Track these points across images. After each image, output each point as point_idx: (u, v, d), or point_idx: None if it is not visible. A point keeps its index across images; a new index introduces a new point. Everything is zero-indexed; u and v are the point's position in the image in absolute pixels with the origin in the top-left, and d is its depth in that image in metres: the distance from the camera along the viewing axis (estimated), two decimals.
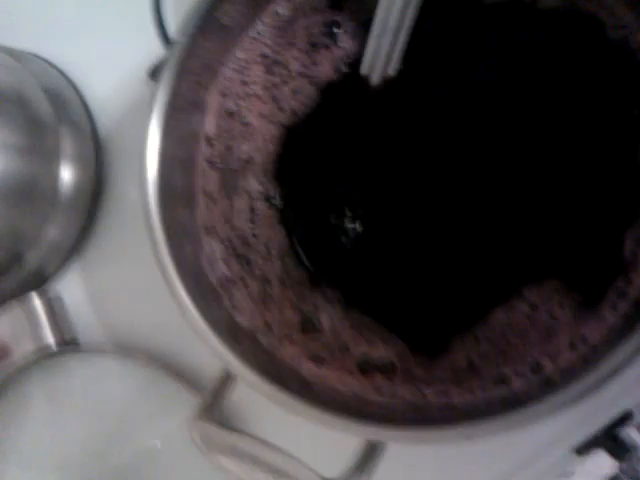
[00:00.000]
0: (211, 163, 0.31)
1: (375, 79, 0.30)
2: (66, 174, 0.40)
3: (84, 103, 0.42)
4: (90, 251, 0.40)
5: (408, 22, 0.29)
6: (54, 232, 0.39)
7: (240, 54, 0.32)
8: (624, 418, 0.37)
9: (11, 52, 0.41)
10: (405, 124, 0.30)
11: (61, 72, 0.42)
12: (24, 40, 0.42)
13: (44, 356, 0.38)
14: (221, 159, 0.31)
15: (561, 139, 0.29)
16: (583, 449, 0.38)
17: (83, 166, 0.40)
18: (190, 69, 0.30)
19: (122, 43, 0.40)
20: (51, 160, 0.39)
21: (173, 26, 0.38)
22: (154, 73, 0.39)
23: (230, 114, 0.32)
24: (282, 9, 0.31)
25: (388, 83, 0.30)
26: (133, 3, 0.40)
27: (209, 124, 0.32)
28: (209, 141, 0.32)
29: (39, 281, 0.40)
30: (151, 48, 0.39)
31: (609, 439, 0.38)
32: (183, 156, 0.31)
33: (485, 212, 0.29)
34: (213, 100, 0.32)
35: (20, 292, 0.38)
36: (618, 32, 0.28)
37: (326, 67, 0.31)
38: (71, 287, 0.40)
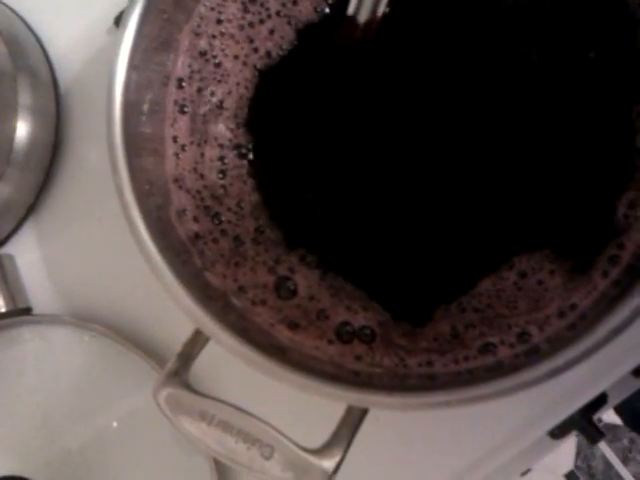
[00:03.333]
0: (181, 107, 0.29)
1: (361, 19, 0.28)
2: (23, 126, 0.36)
3: (44, 51, 0.39)
4: (46, 212, 0.37)
5: None
6: (8, 190, 0.36)
7: None
8: (599, 401, 0.36)
9: None
10: (387, 73, 0.28)
11: (20, 18, 0.39)
12: None
13: None
14: (191, 103, 0.29)
15: (553, 97, 0.27)
16: (557, 432, 0.37)
17: (41, 119, 0.37)
18: (161, 7, 0.28)
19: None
20: (6, 111, 0.36)
21: None
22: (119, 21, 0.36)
23: (202, 54, 0.29)
24: None
25: (374, 25, 0.28)
26: None
27: (180, 65, 0.29)
28: (179, 83, 0.29)
29: None
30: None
31: (584, 422, 0.37)
32: (152, 99, 0.28)
33: (474, 177, 0.28)
34: (185, 39, 0.29)
35: None
36: None
37: (306, 6, 0.29)
38: (25, 250, 0.37)
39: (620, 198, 0.26)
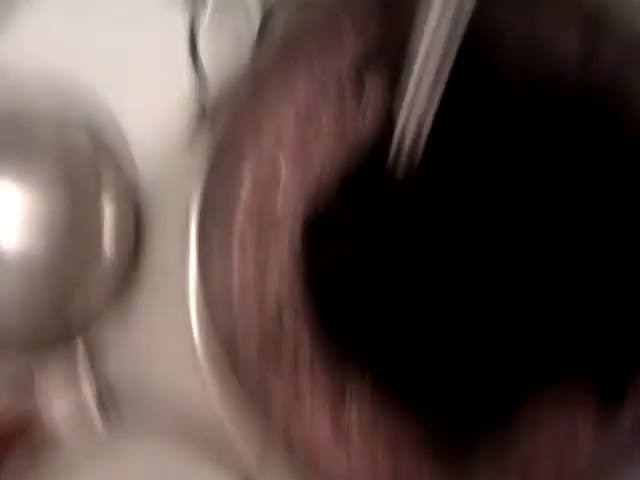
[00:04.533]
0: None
1: (399, 175, 0.30)
2: (108, 208, 0.40)
3: (123, 138, 0.43)
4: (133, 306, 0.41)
5: (435, 102, 0.29)
6: (97, 272, 0.41)
7: (267, 134, 0.32)
8: None
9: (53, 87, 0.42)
10: (423, 220, 0.31)
11: (106, 113, 0.43)
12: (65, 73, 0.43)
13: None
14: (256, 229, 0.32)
15: (579, 230, 0.29)
16: None
17: (124, 201, 0.41)
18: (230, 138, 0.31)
19: (163, 92, 0.42)
20: (91, 195, 0.40)
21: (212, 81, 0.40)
22: (195, 121, 0.41)
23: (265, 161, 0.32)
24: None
25: (409, 181, 0.30)
26: (172, 55, 0.41)
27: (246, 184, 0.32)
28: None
29: (81, 330, 0.42)
30: (189, 97, 0.41)
31: None
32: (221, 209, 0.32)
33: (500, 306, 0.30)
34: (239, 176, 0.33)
35: (62, 340, 0.40)
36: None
37: (348, 153, 0.32)
38: (111, 341, 0.41)
39: None
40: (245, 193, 0.32)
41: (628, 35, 0.28)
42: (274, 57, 0.32)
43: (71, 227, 0.39)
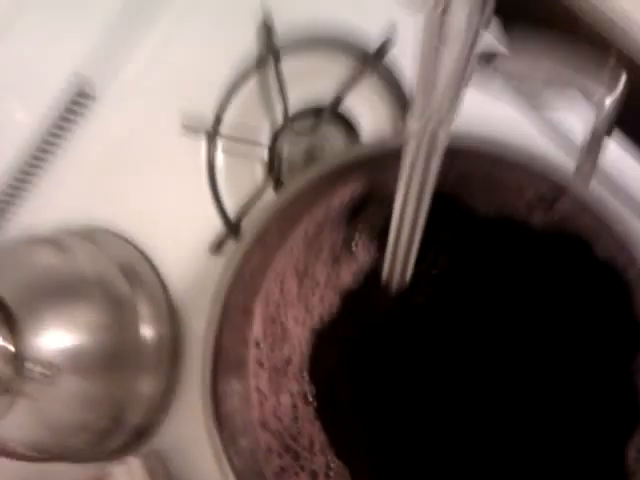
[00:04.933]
0: (260, 364, 0.37)
1: (394, 287, 0.34)
2: (147, 335, 0.46)
3: (156, 272, 0.48)
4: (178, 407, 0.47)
5: (416, 238, 0.32)
6: (145, 390, 0.46)
7: (277, 266, 0.37)
8: None
9: (90, 236, 0.48)
10: (419, 330, 0.34)
11: (134, 245, 0.49)
12: (98, 217, 0.50)
13: None
14: (267, 360, 0.37)
15: (556, 358, 0.32)
16: None
17: (160, 327, 0.47)
18: (240, 284, 0.35)
19: (186, 220, 0.47)
20: (132, 328, 0.45)
21: (230, 207, 0.46)
22: (214, 248, 0.46)
23: (272, 320, 0.37)
24: (310, 227, 0.36)
25: (404, 292, 0.34)
26: (194, 186, 0.47)
27: (256, 329, 0.37)
28: (257, 344, 0.37)
29: (137, 442, 0.47)
30: (212, 224, 0.46)
31: None
32: (236, 359, 0.36)
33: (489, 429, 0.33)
34: (258, 307, 0.37)
35: (121, 454, 0.45)
36: (606, 252, 0.30)
37: (347, 277, 0.36)
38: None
39: (628, 444, 0.30)
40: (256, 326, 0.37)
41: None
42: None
43: (118, 356, 0.45)
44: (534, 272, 0.33)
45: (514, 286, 0.33)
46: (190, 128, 0.47)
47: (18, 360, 0.37)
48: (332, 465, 0.35)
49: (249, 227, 0.35)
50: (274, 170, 0.47)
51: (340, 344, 0.36)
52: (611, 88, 0.27)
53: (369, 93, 0.46)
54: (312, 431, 0.36)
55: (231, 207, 0.47)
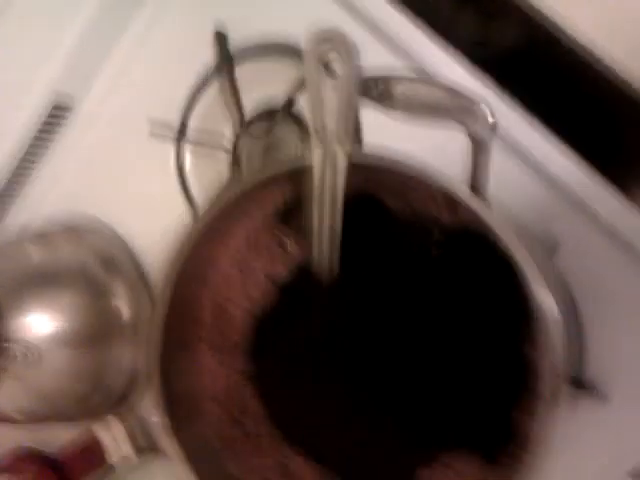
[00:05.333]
0: (210, 345, 0.42)
1: (323, 278, 0.39)
2: (125, 313, 0.53)
3: (134, 259, 0.54)
4: None
5: (336, 238, 0.37)
6: (125, 361, 0.53)
7: (223, 261, 0.42)
8: None
9: (75, 229, 0.54)
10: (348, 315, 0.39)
11: (116, 237, 0.55)
12: (84, 213, 0.56)
13: None
14: (216, 341, 0.42)
15: (458, 331, 0.36)
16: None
17: (137, 306, 0.53)
18: (189, 272, 0.40)
19: (162, 215, 0.52)
20: (109, 308, 0.52)
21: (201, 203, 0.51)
22: None
23: (219, 306, 0.42)
24: (250, 230, 0.41)
25: (334, 281, 0.39)
26: (168, 186, 0.53)
27: (205, 314, 0.42)
28: (205, 327, 0.42)
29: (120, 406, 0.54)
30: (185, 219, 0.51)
31: None
32: (187, 340, 0.42)
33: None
34: (206, 295, 0.42)
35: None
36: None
37: (283, 272, 0.41)
38: None
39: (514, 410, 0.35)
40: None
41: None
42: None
43: (97, 333, 0.51)
44: (444, 261, 0.37)
45: (425, 274, 0.38)
46: (158, 135, 0.52)
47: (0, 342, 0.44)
48: (272, 433, 0.41)
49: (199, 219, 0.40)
50: (237, 170, 0.52)
51: (278, 328, 0.41)
52: (484, 120, 0.30)
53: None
54: (255, 405, 0.42)
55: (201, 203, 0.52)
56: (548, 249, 0.42)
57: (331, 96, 0.31)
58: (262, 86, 0.51)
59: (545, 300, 0.30)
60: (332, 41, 0.30)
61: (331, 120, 0.32)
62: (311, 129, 0.33)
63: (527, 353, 0.35)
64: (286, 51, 0.50)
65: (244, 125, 0.51)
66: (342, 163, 0.34)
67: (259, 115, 0.51)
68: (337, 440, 0.40)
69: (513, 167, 0.43)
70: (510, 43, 0.51)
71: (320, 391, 0.41)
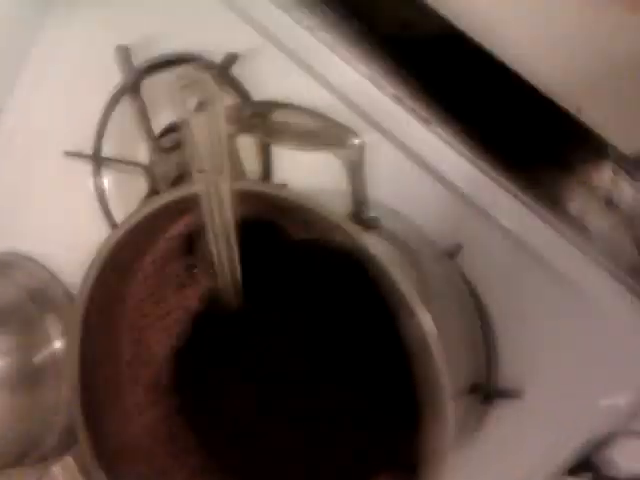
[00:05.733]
0: (134, 382, 0.42)
1: (232, 304, 0.38)
2: (59, 348, 0.52)
3: (66, 290, 0.53)
4: None
5: (236, 263, 0.36)
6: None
7: (135, 294, 0.41)
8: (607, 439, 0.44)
9: (2, 265, 0.53)
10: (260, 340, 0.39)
11: (45, 268, 0.54)
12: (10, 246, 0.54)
13: None
14: (140, 377, 0.41)
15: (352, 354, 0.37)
16: (575, 470, 0.46)
17: None
18: (102, 309, 0.40)
19: (85, 239, 0.50)
20: (43, 345, 0.51)
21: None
22: None
23: (138, 342, 0.41)
24: (156, 258, 0.40)
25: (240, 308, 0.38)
26: (88, 207, 0.52)
27: (126, 351, 0.41)
28: (128, 364, 0.41)
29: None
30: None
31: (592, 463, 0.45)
32: (111, 379, 0.41)
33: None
34: (124, 332, 0.41)
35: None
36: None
37: (194, 301, 0.40)
38: None
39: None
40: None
41: None
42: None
43: (34, 371, 0.50)
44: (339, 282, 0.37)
45: (325, 294, 0.37)
46: (73, 155, 0.51)
47: None
48: (205, 462, 0.41)
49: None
50: (155, 186, 0.50)
51: (197, 358, 0.40)
52: (352, 144, 0.29)
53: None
54: (185, 436, 0.41)
55: None
56: (449, 252, 0.42)
57: (204, 131, 0.30)
58: (168, 99, 0.50)
59: (422, 318, 0.30)
60: (198, 83, 0.29)
61: (208, 153, 0.31)
62: (190, 163, 0.32)
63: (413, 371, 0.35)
64: (188, 62, 0.48)
65: (153, 139, 0.49)
66: (226, 194, 0.33)
67: (167, 128, 0.50)
68: (270, 466, 0.40)
69: (412, 173, 0.41)
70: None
71: (246, 417, 0.40)
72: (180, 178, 0.49)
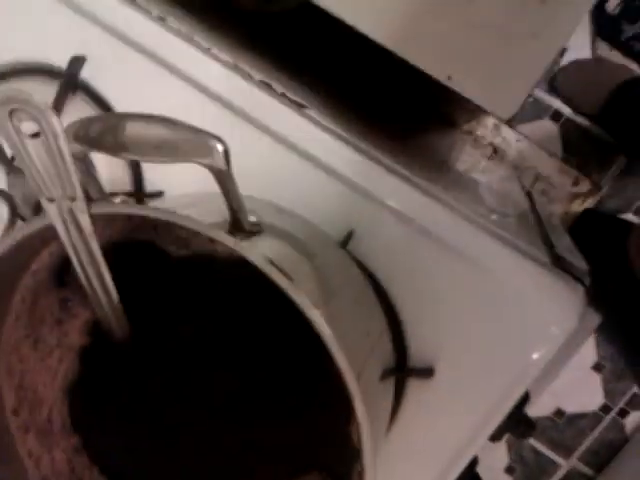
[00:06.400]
0: (24, 430, 0.38)
1: (118, 334, 0.35)
2: None
3: None
4: None
5: (110, 289, 0.33)
6: None
7: (8, 337, 0.37)
8: (524, 400, 0.44)
9: None
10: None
11: None
12: None
13: None
14: (30, 424, 0.38)
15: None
16: (496, 435, 0.46)
17: None
18: None
19: None
20: None
21: None
22: None
23: (22, 387, 0.37)
24: (26, 294, 0.36)
25: (127, 337, 0.35)
26: None
27: (9, 400, 0.37)
28: (15, 412, 0.38)
29: None
30: None
31: (513, 423, 0.45)
32: None
33: None
34: (4, 380, 0.37)
35: None
36: None
37: (75, 335, 0.36)
38: None
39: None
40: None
41: None
42: None
43: None
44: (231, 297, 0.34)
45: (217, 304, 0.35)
46: None
47: None
48: None
49: None
50: (16, 211, 0.45)
51: (90, 395, 0.37)
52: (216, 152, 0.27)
53: (80, 112, 0.44)
54: (92, 475, 0.38)
55: None
56: (342, 241, 0.40)
57: (45, 158, 0.27)
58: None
59: (315, 320, 0.28)
60: (23, 102, 0.26)
61: (55, 180, 0.28)
62: (37, 193, 0.28)
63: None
64: (40, 72, 0.44)
65: (6, 162, 0.44)
66: (85, 221, 0.29)
67: None
68: None
69: (290, 163, 0.39)
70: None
71: (155, 445, 0.38)
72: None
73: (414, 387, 0.42)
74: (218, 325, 0.35)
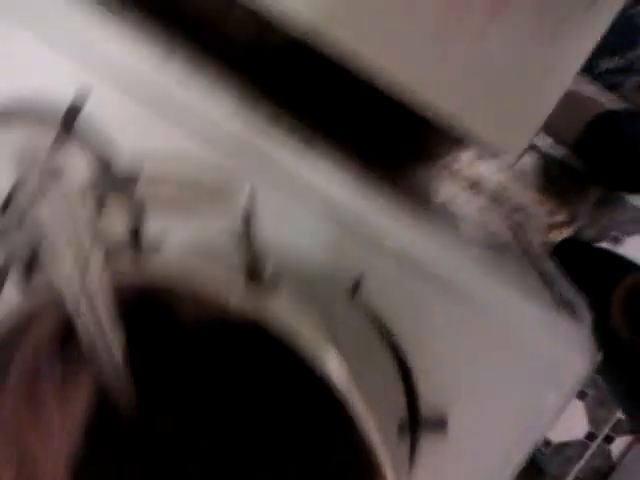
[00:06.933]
0: None
1: (125, 408, 0.33)
2: None
3: None
4: None
5: (118, 359, 0.31)
6: None
7: (6, 406, 0.34)
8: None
9: None
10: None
11: None
12: None
13: None
14: None
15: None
16: None
17: None
18: None
19: None
20: None
21: None
22: None
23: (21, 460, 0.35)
24: (23, 369, 0.34)
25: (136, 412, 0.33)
26: None
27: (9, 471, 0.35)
28: None
29: None
30: None
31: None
32: None
33: None
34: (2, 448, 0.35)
35: None
36: None
37: (80, 409, 0.34)
38: None
39: None
40: None
41: None
42: None
43: None
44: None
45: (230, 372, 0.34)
46: None
47: None
48: None
49: None
50: (6, 266, 0.43)
51: (94, 473, 0.35)
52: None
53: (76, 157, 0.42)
54: None
55: None
56: (353, 287, 0.39)
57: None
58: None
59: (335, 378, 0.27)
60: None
61: (70, 251, 0.26)
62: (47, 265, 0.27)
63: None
64: (32, 115, 0.42)
65: None
66: (96, 293, 0.28)
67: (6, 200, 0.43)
68: None
69: (300, 214, 0.38)
70: None
71: None
72: (36, 257, 0.43)
73: (428, 437, 0.41)
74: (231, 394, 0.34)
